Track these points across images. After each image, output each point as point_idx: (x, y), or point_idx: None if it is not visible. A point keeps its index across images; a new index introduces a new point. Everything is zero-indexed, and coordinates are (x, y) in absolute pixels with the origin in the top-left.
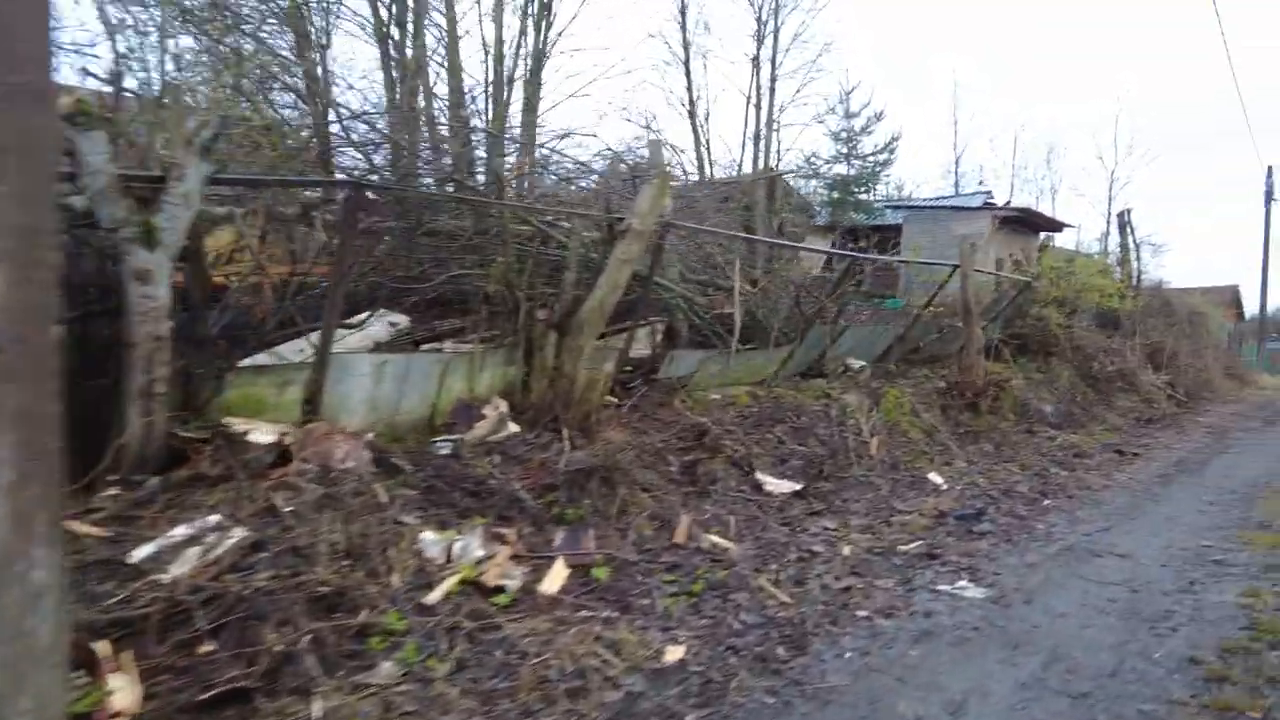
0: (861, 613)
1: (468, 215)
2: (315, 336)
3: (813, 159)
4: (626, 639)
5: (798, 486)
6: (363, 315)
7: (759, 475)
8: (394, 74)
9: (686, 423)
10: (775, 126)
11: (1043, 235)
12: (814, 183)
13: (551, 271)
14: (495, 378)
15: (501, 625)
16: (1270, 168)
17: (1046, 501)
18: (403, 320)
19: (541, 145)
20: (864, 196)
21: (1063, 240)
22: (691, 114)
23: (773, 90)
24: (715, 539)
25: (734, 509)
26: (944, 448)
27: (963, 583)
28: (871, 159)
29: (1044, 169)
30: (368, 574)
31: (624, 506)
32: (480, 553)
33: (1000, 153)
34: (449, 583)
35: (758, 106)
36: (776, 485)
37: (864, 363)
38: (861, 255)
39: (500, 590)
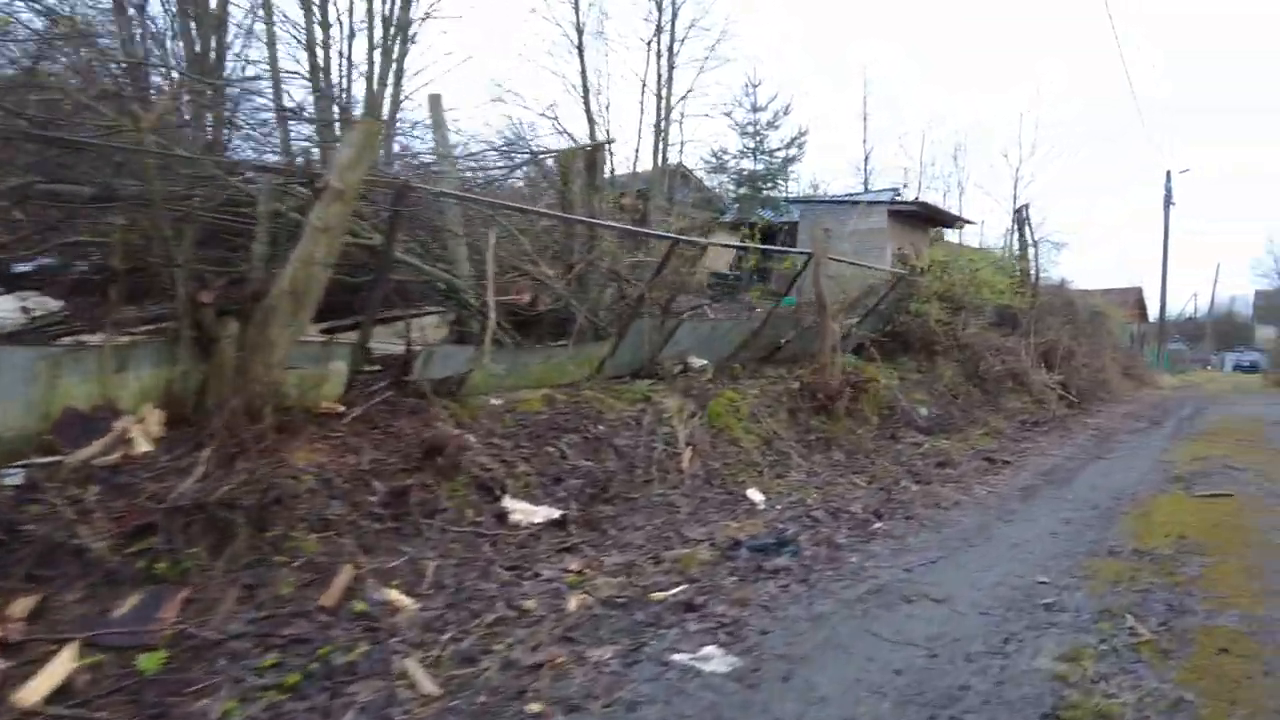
0: (535, 708)
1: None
2: None
3: (720, 153)
4: None
5: (557, 514)
6: None
7: (507, 501)
8: (193, 32)
9: (426, 437)
10: (679, 118)
11: (945, 230)
12: (721, 177)
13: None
14: (152, 380)
15: None
16: (1169, 172)
17: (878, 524)
18: (44, 304)
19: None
20: (772, 193)
21: (970, 238)
22: (586, 100)
23: (670, 78)
24: (392, 595)
25: (449, 549)
26: (782, 458)
27: (710, 649)
28: (779, 154)
29: (951, 166)
30: None
31: (261, 554)
32: None
33: (910, 149)
34: None
35: (658, 95)
36: (528, 514)
37: (705, 361)
38: (681, 238)
39: None
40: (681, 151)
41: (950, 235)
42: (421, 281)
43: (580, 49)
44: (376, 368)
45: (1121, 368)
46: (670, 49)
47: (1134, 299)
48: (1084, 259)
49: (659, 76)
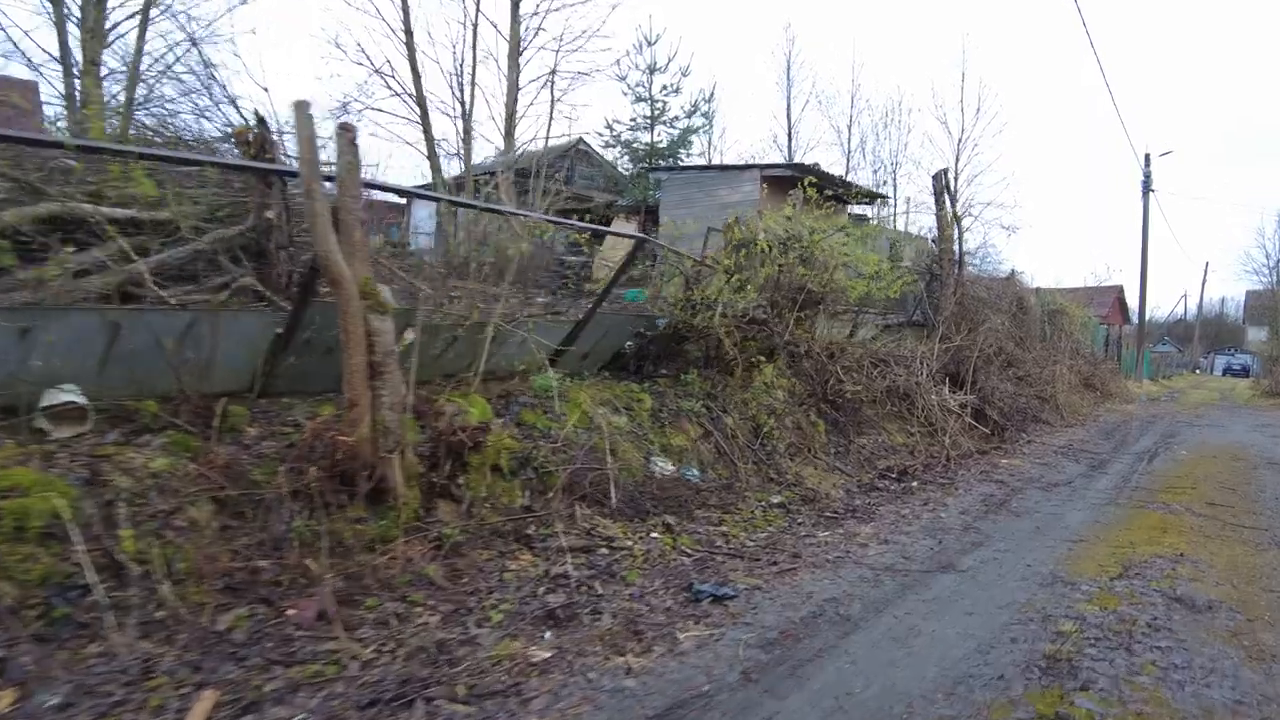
0: None
1: None
2: None
3: (614, 123)
4: None
5: None
6: None
7: None
8: None
9: None
10: (547, 77)
11: (869, 209)
12: (614, 152)
13: None
14: None
15: None
16: (1147, 155)
17: None
18: None
19: None
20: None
21: (903, 220)
22: (409, 45)
23: (515, 19)
24: None
25: None
26: (97, 661)
27: None
28: (681, 123)
29: (883, 141)
30: None
31: None
32: None
33: (839, 121)
34: None
35: (511, 44)
36: None
37: (79, 399)
38: (151, 153)
39: None
40: (551, 116)
41: (895, 220)
42: None
43: None
44: None
45: (1081, 378)
46: None
47: (1113, 298)
48: (1078, 258)
49: (512, 23)
